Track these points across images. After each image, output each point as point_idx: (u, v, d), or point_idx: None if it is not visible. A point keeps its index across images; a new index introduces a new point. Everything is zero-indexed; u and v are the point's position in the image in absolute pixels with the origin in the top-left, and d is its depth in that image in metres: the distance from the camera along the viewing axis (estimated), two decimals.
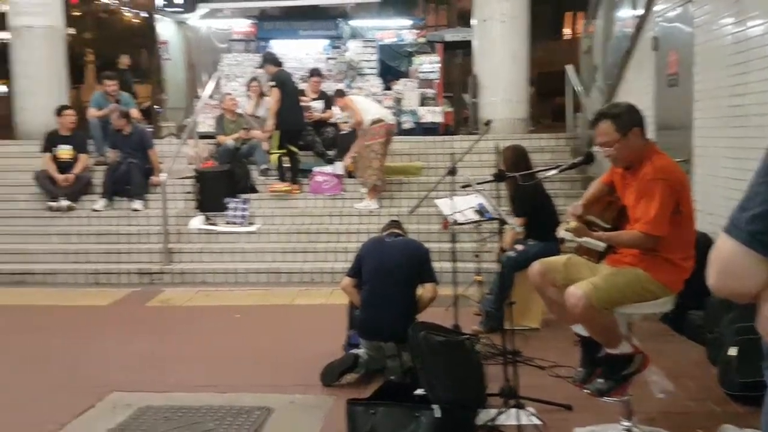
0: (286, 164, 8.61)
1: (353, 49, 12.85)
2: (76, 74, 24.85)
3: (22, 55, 10.31)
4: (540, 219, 5.20)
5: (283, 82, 8.41)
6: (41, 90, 10.25)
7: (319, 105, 9.72)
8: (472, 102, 10.55)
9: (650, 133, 4.37)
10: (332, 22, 14.09)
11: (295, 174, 8.60)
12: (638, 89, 7.23)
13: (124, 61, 12.41)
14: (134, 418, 3.91)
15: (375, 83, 12.11)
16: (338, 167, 8.75)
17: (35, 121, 9.94)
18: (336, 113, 9.51)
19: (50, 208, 8.37)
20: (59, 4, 10.63)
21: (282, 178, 8.58)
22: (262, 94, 9.54)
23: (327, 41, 13.67)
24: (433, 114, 11.65)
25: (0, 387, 4.54)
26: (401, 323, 4.05)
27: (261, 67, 9.02)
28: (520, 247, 5.24)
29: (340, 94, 9.14)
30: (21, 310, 6.62)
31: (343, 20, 14.15)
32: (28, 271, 7.64)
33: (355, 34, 14.01)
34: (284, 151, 8.51)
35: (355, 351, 4.43)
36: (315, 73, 10.02)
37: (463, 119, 12.81)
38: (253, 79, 9.95)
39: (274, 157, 8.77)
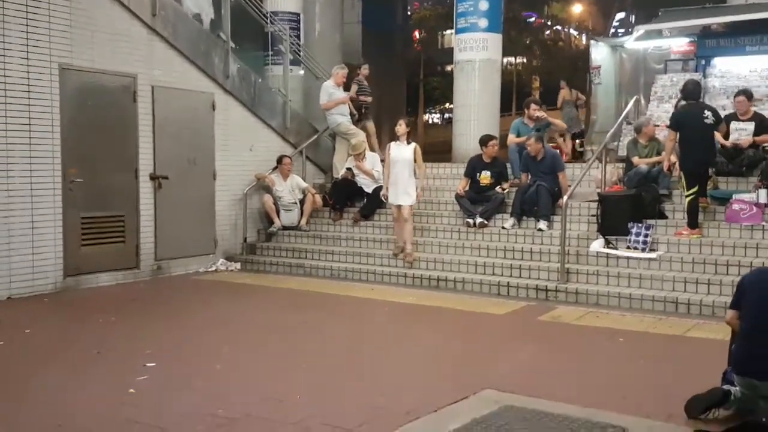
0: (703, 204, 8.11)
1: None
2: (521, 101, 26.78)
3: (461, 86, 11.54)
4: None
5: (678, 123, 7.96)
6: (475, 117, 11.33)
7: (749, 127, 8.93)
8: None
9: None
10: None
11: (695, 217, 8.01)
12: None
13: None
14: (497, 414, 4.28)
15: None
16: (762, 195, 7.97)
17: (469, 146, 10.95)
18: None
19: (467, 224, 9.34)
20: (498, 38, 11.57)
21: (691, 224, 8.01)
22: None
23: None
24: None
25: (392, 369, 5.36)
26: None
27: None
28: None
29: None
30: (427, 309, 7.54)
31: None
32: (442, 277, 8.58)
33: None
34: (693, 193, 7.90)
35: (726, 387, 4.17)
36: (741, 93, 9.22)
37: None
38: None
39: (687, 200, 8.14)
